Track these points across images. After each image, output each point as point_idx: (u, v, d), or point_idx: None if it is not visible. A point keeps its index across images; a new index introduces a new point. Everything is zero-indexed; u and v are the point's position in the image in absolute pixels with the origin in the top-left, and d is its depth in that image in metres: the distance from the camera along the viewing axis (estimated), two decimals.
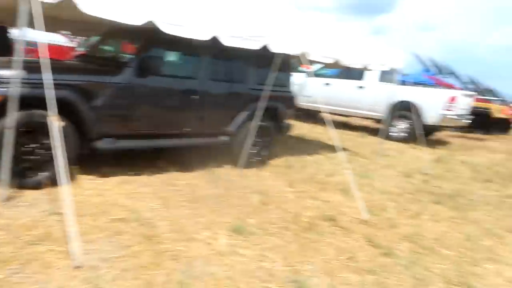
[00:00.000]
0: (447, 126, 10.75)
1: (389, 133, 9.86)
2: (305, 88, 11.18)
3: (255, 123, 5.31)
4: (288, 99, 6.09)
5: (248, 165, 5.45)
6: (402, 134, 10.15)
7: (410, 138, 9.82)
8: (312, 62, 5.85)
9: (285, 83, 5.99)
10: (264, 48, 4.56)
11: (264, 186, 4.89)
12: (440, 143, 10.84)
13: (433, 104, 9.78)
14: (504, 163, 8.74)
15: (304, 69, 14.23)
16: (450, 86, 15.81)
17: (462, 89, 14.86)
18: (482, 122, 13.30)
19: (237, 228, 3.52)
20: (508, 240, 4.11)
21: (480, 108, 13.67)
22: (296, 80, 11.35)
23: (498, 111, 13.47)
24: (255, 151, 5.60)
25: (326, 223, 3.98)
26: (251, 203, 4.24)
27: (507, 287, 3.17)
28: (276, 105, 5.72)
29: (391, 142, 9.52)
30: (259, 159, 5.66)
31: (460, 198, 5.42)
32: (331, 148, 6.85)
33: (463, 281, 3.14)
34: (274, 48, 4.60)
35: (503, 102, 15.82)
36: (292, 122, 6.57)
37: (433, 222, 4.38)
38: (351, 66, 5.85)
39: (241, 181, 4.93)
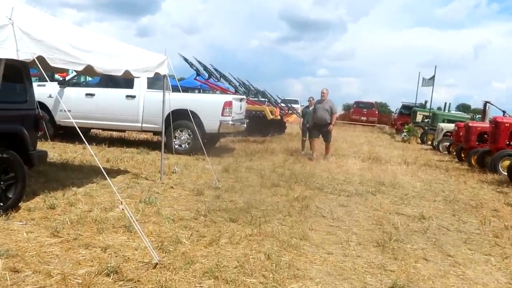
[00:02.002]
0: (227, 133, 11.38)
1: (171, 146, 9.69)
2: (63, 101, 9.99)
3: None
4: (31, 118, 5.13)
5: None
6: (184, 145, 10.19)
7: (193, 149, 9.94)
8: (63, 70, 5.07)
9: (23, 98, 5.02)
10: None
11: (15, 242, 3.89)
12: (224, 150, 11.40)
13: (211, 111, 10.09)
14: (284, 164, 9.76)
15: (59, 77, 12.85)
16: (223, 90, 17.03)
17: (235, 92, 16.17)
18: (258, 125, 14.71)
19: None
20: (304, 250, 4.34)
21: (255, 111, 15.14)
22: (50, 91, 10.06)
23: (271, 113, 15.14)
24: None
25: (107, 278, 3.35)
26: None
27: None
28: (13, 128, 4.72)
29: (175, 156, 9.41)
30: (2, 206, 4.53)
31: (253, 210, 5.58)
32: (108, 172, 6.15)
33: None
34: None
35: (274, 103, 17.99)
36: (49, 146, 5.60)
37: (232, 245, 4.28)
38: (106, 73, 5.33)
39: None
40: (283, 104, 20.00)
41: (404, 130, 21.30)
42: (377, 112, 37.37)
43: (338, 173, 9.16)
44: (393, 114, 36.17)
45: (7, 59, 3.82)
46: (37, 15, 4.58)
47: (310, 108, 12.00)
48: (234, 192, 6.60)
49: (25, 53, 3.81)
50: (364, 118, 35.23)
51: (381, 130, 29.46)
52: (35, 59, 3.86)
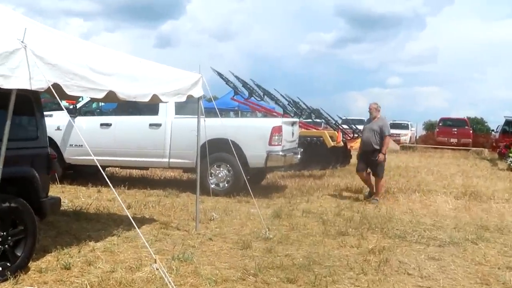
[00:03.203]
0: (276, 167, 11.48)
1: (206, 186, 9.91)
2: (73, 133, 10.51)
3: None
4: (43, 158, 5.46)
5: None
6: (222, 184, 10.41)
7: (234, 189, 10.13)
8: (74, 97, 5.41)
9: (34, 134, 5.38)
10: None
11: None
12: (274, 189, 11.54)
13: (255, 140, 10.29)
14: (352, 205, 9.75)
15: (68, 105, 13.53)
16: (268, 112, 17.27)
17: (283, 114, 16.33)
18: (316, 155, 14.73)
19: None
20: None
21: (311, 137, 15.20)
22: (58, 122, 10.61)
23: (331, 138, 15.11)
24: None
25: None
26: None
27: None
28: (23, 171, 5.05)
29: (211, 198, 9.61)
30: (10, 267, 4.80)
31: (316, 267, 5.64)
32: (130, 222, 6.41)
33: None
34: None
35: (334, 126, 17.96)
36: (57, 190, 5.94)
37: None
38: (131, 99, 5.61)
39: None
40: (345, 126, 20.00)
41: (511, 155, 20.75)
42: (471, 131, 36.57)
43: (424, 216, 9.06)
44: (493, 133, 35.27)
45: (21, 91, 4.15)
46: (49, 33, 4.97)
47: None
48: (289, 243, 6.68)
49: (39, 81, 4.12)
50: (454, 140, 34.49)
51: (478, 155, 28.77)
52: (51, 87, 4.16)
